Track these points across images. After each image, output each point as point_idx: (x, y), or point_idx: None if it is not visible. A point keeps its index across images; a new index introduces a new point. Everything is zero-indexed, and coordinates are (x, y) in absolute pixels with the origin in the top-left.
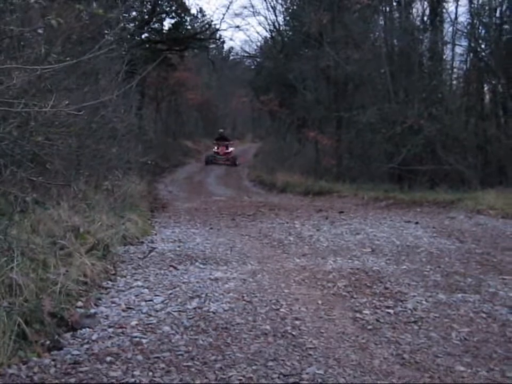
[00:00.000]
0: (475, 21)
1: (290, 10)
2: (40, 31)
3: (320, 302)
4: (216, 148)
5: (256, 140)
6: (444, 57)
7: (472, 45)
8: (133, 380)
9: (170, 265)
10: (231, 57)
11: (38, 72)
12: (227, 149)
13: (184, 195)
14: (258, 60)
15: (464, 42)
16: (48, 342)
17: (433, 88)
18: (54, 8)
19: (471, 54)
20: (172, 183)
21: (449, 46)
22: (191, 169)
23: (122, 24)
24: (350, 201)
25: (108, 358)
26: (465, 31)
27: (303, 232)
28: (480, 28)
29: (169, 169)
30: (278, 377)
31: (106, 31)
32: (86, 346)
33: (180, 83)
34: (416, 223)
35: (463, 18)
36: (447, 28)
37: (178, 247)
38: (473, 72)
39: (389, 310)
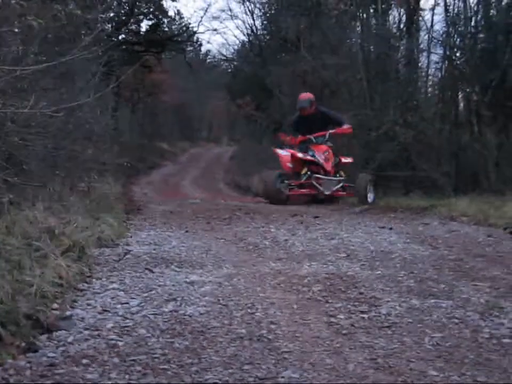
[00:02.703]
0: (450, 30)
1: (268, 15)
2: (16, 30)
3: (295, 306)
4: (299, 148)
5: (232, 143)
6: (420, 64)
7: (448, 53)
8: (109, 382)
9: (146, 268)
10: (208, 60)
11: (18, 73)
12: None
13: (159, 197)
14: (235, 63)
15: (440, 50)
16: (23, 344)
17: (408, 95)
18: (31, 8)
19: (446, 62)
20: (147, 185)
21: (424, 53)
22: (167, 171)
23: (99, 25)
24: (325, 207)
25: (84, 360)
26: (441, 39)
27: (278, 236)
28: (455, 36)
29: (145, 171)
30: (254, 381)
31: (83, 32)
32: (61, 348)
33: (156, 85)
34: (390, 228)
35: (438, 26)
36: (423, 36)
37: (154, 250)
38: (448, 79)
39: (363, 315)
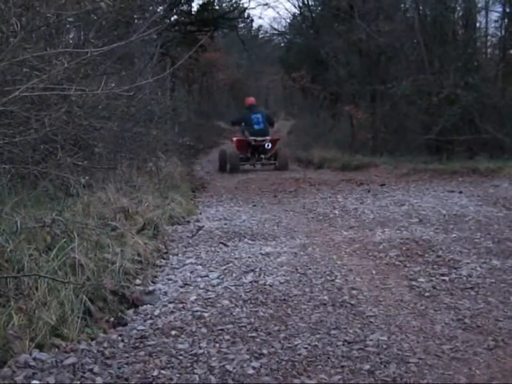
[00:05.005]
0: None
1: None
2: (70, 19)
3: (374, 271)
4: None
5: (289, 118)
6: (478, 24)
7: (507, 10)
8: (201, 351)
9: (220, 242)
10: (261, 36)
11: (89, 55)
12: None
13: (222, 175)
14: (288, 36)
15: (499, 8)
16: (112, 319)
17: (468, 57)
18: None
19: (506, 20)
20: (209, 164)
21: (482, 12)
22: (226, 148)
23: (153, 8)
24: (390, 174)
25: (173, 332)
26: None
27: (347, 205)
28: None
29: (205, 150)
30: (343, 345)
31: (136, 16)
32: (149, 321)
33: (210, 64)
34: (460, 192)
35: None
36: None
37: (225, 224)
38: (508, 38)
39: (444, 277)
